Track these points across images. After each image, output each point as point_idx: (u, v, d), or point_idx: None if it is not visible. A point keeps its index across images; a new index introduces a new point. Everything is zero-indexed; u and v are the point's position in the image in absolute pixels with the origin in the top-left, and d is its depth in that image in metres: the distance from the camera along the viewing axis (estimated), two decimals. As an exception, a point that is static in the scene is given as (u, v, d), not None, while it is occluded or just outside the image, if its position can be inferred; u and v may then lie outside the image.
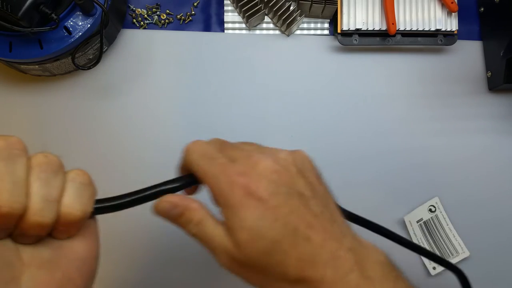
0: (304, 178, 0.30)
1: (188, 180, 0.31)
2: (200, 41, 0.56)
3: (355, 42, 0.55)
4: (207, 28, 0.57)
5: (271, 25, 0.57)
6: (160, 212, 0.30)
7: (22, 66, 0.51)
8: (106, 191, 0.57)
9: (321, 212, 0.29)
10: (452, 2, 0.53)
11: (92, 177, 0.58)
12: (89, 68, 0.52)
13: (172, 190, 0.30)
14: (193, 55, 0.56)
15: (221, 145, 0.32)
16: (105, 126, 0.55)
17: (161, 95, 0.55)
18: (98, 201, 0.29)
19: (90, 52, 0.52)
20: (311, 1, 0.54)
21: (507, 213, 0.55)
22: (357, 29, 0.54)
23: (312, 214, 0.29)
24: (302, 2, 0.54)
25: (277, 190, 0.28)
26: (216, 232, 0.29)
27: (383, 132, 0.56)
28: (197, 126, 0.55)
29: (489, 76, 0.56)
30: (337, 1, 0.54)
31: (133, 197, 0.30)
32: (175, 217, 0.30)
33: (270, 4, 0.54)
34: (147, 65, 0.56)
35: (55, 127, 0.54)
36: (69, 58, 0.50)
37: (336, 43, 0.56)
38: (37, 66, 0.50)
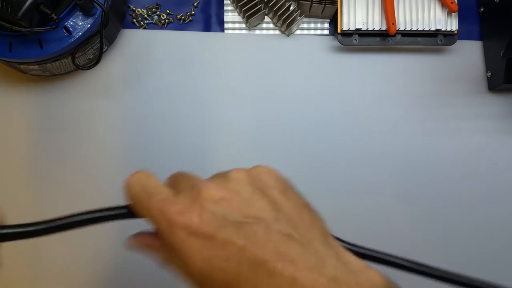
0: (264, 197, 0.26)
1: (125, 213, 0.28)
2: (200, 41, 0.56)
3: (355, 42, 0.55)
4: (207, 28, 0.57)
5: (271, 25, 0.57)
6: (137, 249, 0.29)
7: (22, 66, 0.51)
8: (106, 190, 0.57)
9: (288, 236, 0.24)
10: (452, 2, 0.53)
11: (92, 176, 0.58)
12: (89, 68, 0.52)
13: (103, 219, 0.28)
14: (193, 55, 0.56)
15: (170, 177, 0.29)
16: (105, 126, 0.55)
17: (161, 95, 0.55)
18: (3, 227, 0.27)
19: (90, 52, 0.52)
20: (311, 1, 0.54)
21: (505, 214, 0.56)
22: (357, 29, 0.54)
23: (276, 242, 0.23)
24: (302, 2, 0.54)
25: (226, 221, 0.24)
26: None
27: (383, 132, 0.56)
28: (197, 126, 0.55)
29: (489, 76, 0.56)
30: (337, 1, 0.54)
31: (49, 225, 0.27)
32: (148, 255, 0.29)
33: (270, 4, 0.54)
34: (147, 65, 0.56)
35: (55, 127, 0.54)
36: (69, 58, 0.50)
37: (336, 43, 0.56)
38: (37, 66, 0.50)
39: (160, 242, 0.27)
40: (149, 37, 0.56)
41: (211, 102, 0.55)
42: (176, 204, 0.25)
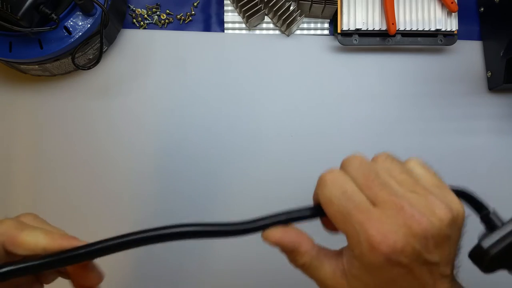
0: (448, 241, 0.26)
1: (315, 213, 0.27)
2: (200, 41, 0.56)
3: (355, 42, 0.55)
4: (207, 28, 0.57)
5: (271, 25, 0.57)
6: (269, 243, 0.28)
7: (22, 66, 0.51)
8: (106, 190, 0.57)
9: (447, 276, 0.26)
10: (452, 2, 0.53)
11: (93, 176, 0.58)
12: (89, 68, 0.52)
13: (283, 222, 0.27)
14: (193, 55, 0.56)
15: (366, 178, 0.27)
16: (105, 126, 0.55)
17: (161, 95, 0.55)
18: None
19: (90, 52, 0.52)
20: (311, 1, 0.54)
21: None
22: (357, 29, 0.54)
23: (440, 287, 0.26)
24: (302, 2, 0.54)
25: (421, 257, 0.25)
26: (327, 275, 0.27)
27: (383, 131, 0.56)
28: (197, 125, 0.55)
29: (489, 76, 0.56)
30: (337, 1, 0.54)
31: (243, 227, 0.27)
32: (282, 251, 0.28)
33: (270, 4, 0.54)
34: (147, 65, 0.56)
35: (55, 127, 0.54)
36: (69, 58, 0.50)
37: (336, 43, 0.56)
38: (37, 66, 0.50)
39: (310, 244, 0.27)
40: (149, 37, 0.56)
41: (211, 102, 0.55)
42: (379, 223, 0.25)
